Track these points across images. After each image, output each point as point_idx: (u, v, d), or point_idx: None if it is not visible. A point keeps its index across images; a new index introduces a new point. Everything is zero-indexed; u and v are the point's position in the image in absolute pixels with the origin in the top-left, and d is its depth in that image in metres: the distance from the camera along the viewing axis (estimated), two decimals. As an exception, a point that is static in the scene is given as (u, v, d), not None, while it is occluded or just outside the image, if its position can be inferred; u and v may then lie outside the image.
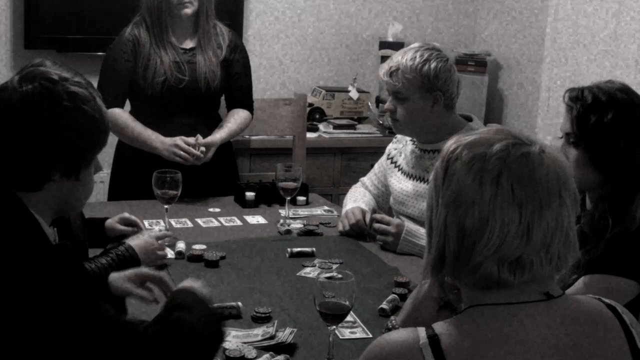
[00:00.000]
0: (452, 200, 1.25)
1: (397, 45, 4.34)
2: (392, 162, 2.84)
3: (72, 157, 1.55)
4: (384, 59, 4.33)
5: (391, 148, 2.88)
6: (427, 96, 2.59)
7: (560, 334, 1.24)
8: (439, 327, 1.26)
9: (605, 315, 1.29)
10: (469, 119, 2.72)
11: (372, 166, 4.04)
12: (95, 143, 1.59)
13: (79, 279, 1.50)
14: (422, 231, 2.59)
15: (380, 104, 4.29)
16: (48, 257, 1.47)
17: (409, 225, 2.59)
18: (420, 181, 2.68)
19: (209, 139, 3.01)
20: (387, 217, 2.65)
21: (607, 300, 1.33)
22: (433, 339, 1.22)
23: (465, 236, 1.23)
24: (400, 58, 2.61)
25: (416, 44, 2.67)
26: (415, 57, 2.59)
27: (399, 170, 2.79)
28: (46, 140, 1.51)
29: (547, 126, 3.99)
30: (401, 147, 2.82)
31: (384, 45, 4.37)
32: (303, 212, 2.91)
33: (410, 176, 2.74)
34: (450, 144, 1.30)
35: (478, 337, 1.23)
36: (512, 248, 1.21)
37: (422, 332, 1.25)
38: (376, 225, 2.61)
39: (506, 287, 1.24)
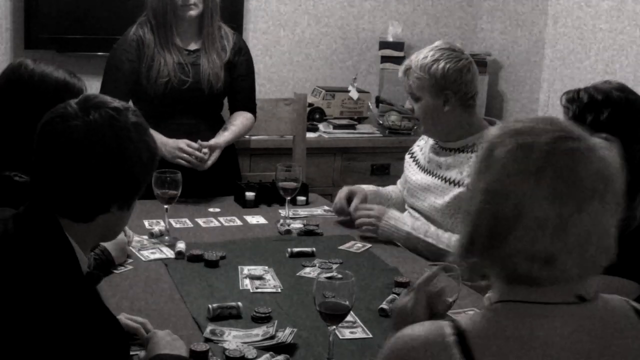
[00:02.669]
0: (490, 186, 1.21)
1: (397, 45, 4.35)
2: (411, 157, 2.88)
3: (133, 188, 1.52)
4: (384, 59, 4.35)
5: (415, 144, 2.92)
6: (438, 95, 2.60)
7: (589, 340, 1.21)
8: (466, 323, 1.22)
9: (631, 320, 1.26)
10: (493, 124, 2.72)
11: (372, 166, 4.10)
12: (151, 172, 1.56)
13: (100, 316, 1.46)
14: (406, 220, 2.63)
15: (380, 104, 4.29)
16: (72, 288, 1.42)
17: (393, 211, 2.65)
18: (433, 176, 2.70)
19: (213, 141, 3.01)
20: (369, 205, 2.71)
21: (633, 303, 1.30)
22: (460, 336, 1.19)
23: (498, 225, 1.20)
24: (415, 57, 2.64)
25: (437, 43, 2.68)
26: (427, 57, 2.60)
27: (415, 164, 2.83)
28: (113, 173, 1.46)
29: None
30: (423, 143, 2.86)
31: (384, 45, 4.37)
32: (303, 212, 2.91)
33: (424, 170, 2.76)
34: (494, 130, 1.27)
35: (507, 337, 1.19)
36: (544, 245, 1.18)
37: (447, 327, 1.21)
38: (359, 207, 2.69)
39: (536, 284, 1.21)
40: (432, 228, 2.60)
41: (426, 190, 2.71)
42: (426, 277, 1.62)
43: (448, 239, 2.53)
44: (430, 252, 2.53)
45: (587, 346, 1.21)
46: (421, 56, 2.62)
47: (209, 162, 2.97)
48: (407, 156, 2.92)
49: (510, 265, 1.21)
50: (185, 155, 2.93)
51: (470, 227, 1.25)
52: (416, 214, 2.74)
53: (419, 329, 1.24)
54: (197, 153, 2.94)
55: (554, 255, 1.18)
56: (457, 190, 2.59)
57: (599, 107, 1.87)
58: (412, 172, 2.82)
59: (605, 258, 1.23)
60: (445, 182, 2.64)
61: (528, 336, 1.19)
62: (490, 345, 1.18)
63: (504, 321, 1.21)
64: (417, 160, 2.83)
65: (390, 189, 2.98)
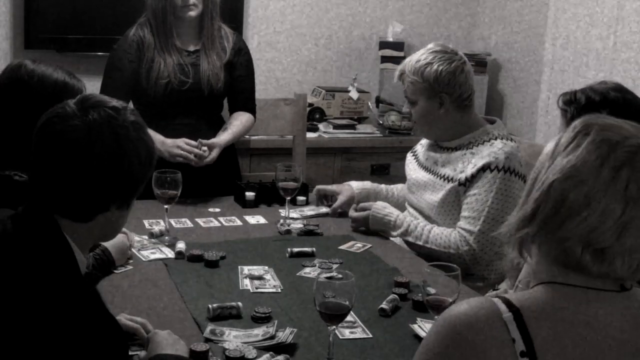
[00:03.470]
0: (568, 168, 1.25)
1: (397, 45, 4.36)
2: (412, 155, 2.90)
3: (132, 187, 1.52)
4: (384, 59, 4.35)
5: (418, 143, 2.94)
6: (433, 98, 2.61)
7: (630, 329, 1.25)
8: (517, 300, 1.25)
9: None
10: (492, 122, 2.72)
11: (372, 166, 4.10)
12: (150, 171, 1.56)
13: (99, 316, 1.46)
14: (389, 209, 2.69)
15: (380, 104, 4.29)
16: (70, 289, 1.42)
17: (379, 203, 2.74)
18: (429, 173, 2.71)
19: (213, 140, 3.01)
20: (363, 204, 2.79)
21: None
22: (516, 313, 1.23)
23: (564, 207, 1.24)
24: (408, 61, 2.66)
25: (430, 45, 2.69)
26: (420, 60, 2.61)
27: (416, 161, 2.84)
28: (112, 173, 1.47)
29: (547, 126, 3.99)
30: (425, 141, 2.87)
31: (384, 45, 4.37)
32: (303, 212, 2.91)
33: (422, 167, 2.77)
34: (584, 119, 1.31)
35: (562, 319, 1.24)
36: (601, 238, 1.22)
37: (500, 304, 1.25)
38: (355, 207, 2.77)
39: (583, 272, 1.25)
40: (422, 222, 2.65)
41: (423, 187, 2.72)
42: None
43: (427, 232, 2.60)
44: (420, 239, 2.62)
45: (628, 335, 1.25)
46: (414, 60, 2.62)
47: (208, 159, 2.97)
48: (409, 154, 2.93)
49: (563, 248, 1.25)
50: (183, 152, 2.93)
51: (537, 201, 1.28)
52: (413, 211, 2.75)
53: (469, 306, 1.27)
54: (196, 150, 2.94)
55: (607, 250, 1.23)
56: (449, 186, 2.60)
57: (597, 108, 1.88)
58: (412, 170, 2.83)
59: None
60: (440, 178, 2.65)
61: (582, 321, 1.24)
62: (544, 325, 1.23)
63: (558, 303, 1.25)
64: (417, 157, 2.84)
65: (393, 187, 3.00)
